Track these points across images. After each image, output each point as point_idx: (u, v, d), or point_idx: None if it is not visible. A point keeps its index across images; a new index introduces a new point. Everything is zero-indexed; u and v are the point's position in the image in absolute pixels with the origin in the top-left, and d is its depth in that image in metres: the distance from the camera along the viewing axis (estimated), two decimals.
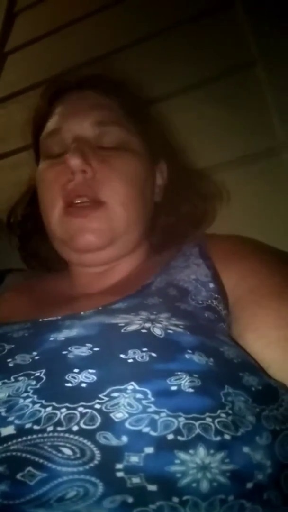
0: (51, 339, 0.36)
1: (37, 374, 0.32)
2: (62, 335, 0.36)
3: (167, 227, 0.61)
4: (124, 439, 0.27)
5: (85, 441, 0.27)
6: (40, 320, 0.42)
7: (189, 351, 0.33)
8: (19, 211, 0.69)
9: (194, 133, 0.76)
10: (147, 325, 0.36)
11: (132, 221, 0.54)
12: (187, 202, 0.63)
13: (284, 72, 0.72)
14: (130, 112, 0.58)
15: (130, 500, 0.25)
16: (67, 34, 1.01)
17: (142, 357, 0.33)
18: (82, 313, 0.41)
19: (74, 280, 0.59)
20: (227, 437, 0.28)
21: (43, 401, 0.29)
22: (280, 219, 0.66)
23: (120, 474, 0.26)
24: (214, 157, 0.73)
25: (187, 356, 0.33)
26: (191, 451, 0.27)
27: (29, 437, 0.27)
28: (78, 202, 0.52)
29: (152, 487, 0.25)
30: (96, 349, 0.34)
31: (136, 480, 0.25)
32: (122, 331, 0.36)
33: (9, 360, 0.35)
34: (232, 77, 0.78)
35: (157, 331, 0.35)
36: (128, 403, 0.29)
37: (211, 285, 0.46)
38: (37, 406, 0.29)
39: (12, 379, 0.32)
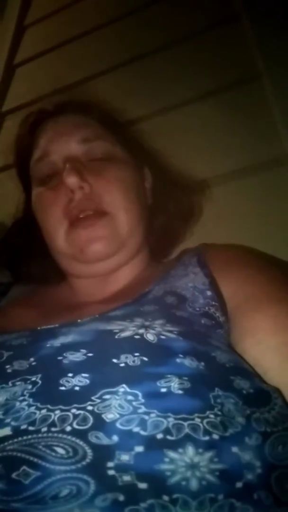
0: (47, 345, 0.37)
1: (33, 379, 0.33)
2: (58, 342, 0.38)
3: (161, 226, 0.64)
4: (115, 438, 0.28)
5: (77, 440, 0.28)
6: (39, 328, 0.43)
7: (181, 355, 0.34)
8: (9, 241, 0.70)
9: (200, 143, 0.77)
10: (141, 331, 0.37)
11: (135, 225, 0.56)
12: (173, 199, 0.65)
13: None
14: (109, 127, 0.60)
15: (121, 498, 0.25)
16: (75, 47, 1.02)
17: (133, 361, 0.33)
18: (79, 320, 0.42)
19: (74, 290, 0.60)
20: (215, 436, 0.28)
21: (38, 404, 0.30)
22: (286, 229, 0.66)
23: (111, 472, 0.26)
24: (221, 166, 0.74)
25: (178, 360, 0.34)
26: (180, 450, 0.27)
27: (25, 437, 0.28)
28: (82, 216, 0.53)
29: (143, 485, 0.26)
30: (90, 354, 0.35)
31: (127, 478, 0.26)
32: (116, 337, 0.37)
33: (7, 366, 0.36)
34: (238, 89, 0.79)
35: (150, 336, 0.36)
36: (119, 405, 0.30)
37: (208, 293, 0.47)
38: (32, 409, 0.30)
39: (10, 384, 0.33)
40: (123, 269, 0.57)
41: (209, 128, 0.78)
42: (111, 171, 0.56)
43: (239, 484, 0.27)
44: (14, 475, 0.26)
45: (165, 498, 0.25)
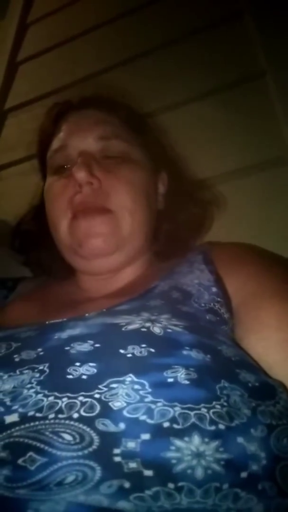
0: (55, 337, 0.38)
1: (41, 368, 0.33)
2: (65, 334, 0.38)
3: (169, 234, 0.63)
4: (122, 425, 0.28)
5: (84, 427, 0.28)
6: (47, 322, 0.43)
7: (187, 347, 0.35)
8: (23, 226, 0.70)
9: (203, 142, 0.77)
10: (147, 324, 0.37)
11: (138, 227, 0.56)
12: (185, 210, 0.65)
13: None
14: (130, 126, 0.60)
15: (127, 485, 0.25)
16: (78, 45, 1.02)
17: (140, 352, 0.34)
18: (86, 314, 0.43)
19: (80, 286, 0.60)
20: (221, 427, 0.29)
21: (46, 391, 0.31)
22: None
23: (117, 459, 0.26)
24: (223, 165, 0.74)
25: (184, 352, 0.34)
26: (186, 439, 0.28)
27: (32, 423, 0.29)
28: (86, 212, 0.54)
29: (148, 472, 0.26)
30: (97, 345, 0.35)
31: (132, 465, 0.26)
32: (123, 329, 0.37)
33: (15, 356, 0.36)
34: (241, 86, 0.79)
35: (156, 329, 0.37)
36: (126, 393, 0.30)
37: (214, 289, 0.48)
38: (40, 396, 0.30)
39: (18, 372, 0.34)
40: (125, 270, 0.58)
41: (212, 126, 0.78)
42: (123, 171, 0.56)
43: (244, 474, 0.27)
44: (20, 461, 0.27)
45: (171, 485, 0.26)
